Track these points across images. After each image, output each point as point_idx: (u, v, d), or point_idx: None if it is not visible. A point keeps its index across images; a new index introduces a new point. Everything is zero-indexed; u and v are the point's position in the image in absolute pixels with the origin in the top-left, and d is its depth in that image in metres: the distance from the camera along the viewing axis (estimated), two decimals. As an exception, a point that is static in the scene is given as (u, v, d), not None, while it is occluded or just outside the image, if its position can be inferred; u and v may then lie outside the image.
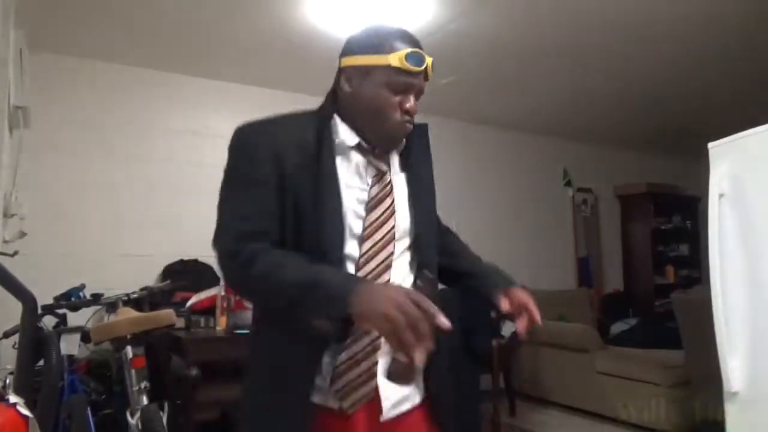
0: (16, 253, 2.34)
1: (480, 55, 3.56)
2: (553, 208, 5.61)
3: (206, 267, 3.58)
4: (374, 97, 1.09)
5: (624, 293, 5.94)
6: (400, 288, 0.94)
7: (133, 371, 2.31)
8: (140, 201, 3.61)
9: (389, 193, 1.13)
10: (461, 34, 3.22)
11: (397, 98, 1.09)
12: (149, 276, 3.52)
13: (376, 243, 1.09)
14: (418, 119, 1.17)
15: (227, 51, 3.48)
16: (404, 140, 1.18)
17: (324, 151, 1.08)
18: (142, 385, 2.32)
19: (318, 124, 1.11)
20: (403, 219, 1.15)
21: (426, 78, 1.12)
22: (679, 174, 6.43)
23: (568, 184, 5.74)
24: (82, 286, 2.86)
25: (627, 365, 3.89)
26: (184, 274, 3.36)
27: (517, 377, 4.36)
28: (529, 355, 4.50)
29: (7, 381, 1.85)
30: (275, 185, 1.04)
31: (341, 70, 1.14)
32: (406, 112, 1.10)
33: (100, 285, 2.93)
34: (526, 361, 4.50)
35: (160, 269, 3.57)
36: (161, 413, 2.26)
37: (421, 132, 1.22)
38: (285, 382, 1.06)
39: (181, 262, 3.60)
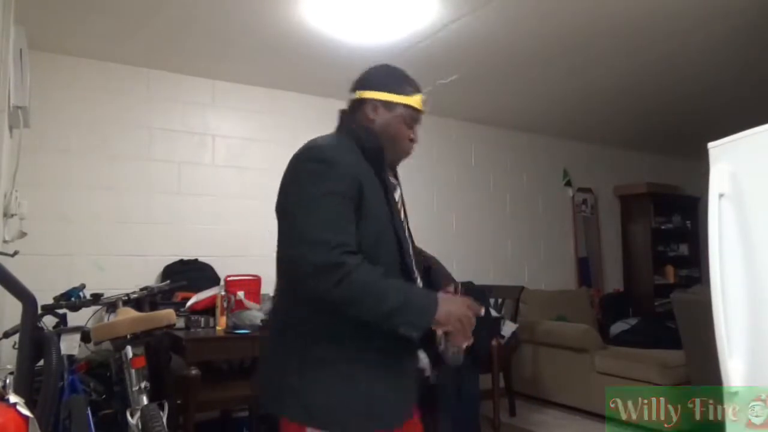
0: (16, 253, 2.34)
1: (480, 54, 3.55)
2: (553, 208, 5.61)
3: (206, 267, 3.56)
4: (394, 127, 1.39)
5: (624, 293, 5.93)
6: (459, 298, 1.31)
7: (133, 371, 2.31)
8: (140, 201, 3.61)
9: (401, 203, 1.43)
10: (461, 34, 3.22)
11: (409, 131, 1.42)
12: (149, 276, 3.52)
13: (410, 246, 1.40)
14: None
15: (227, 51, 3.48)
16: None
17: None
18: (142, 385, 2.32)
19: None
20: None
21: None
22: (679, 174, 6.43)
23: (568, 184, 5.74)
24: (82, 286, 2.85)
25: (627, 365, 3.89)
26: (184, 274, 3.35)
27: (517, 377, 4.36)
28: (529, 355, 4.50)
29: (7, 381, 1.85)
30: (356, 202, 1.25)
31: (365, 101, 1.40)
32: (412, 140, 1.44)
33: (100, 285, 2.94)
34: (526, 361, 4.50)
35: (160, 269, 3.56)
36: (161, 413, 2.26)
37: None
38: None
39: (181, 262, 3.58)
